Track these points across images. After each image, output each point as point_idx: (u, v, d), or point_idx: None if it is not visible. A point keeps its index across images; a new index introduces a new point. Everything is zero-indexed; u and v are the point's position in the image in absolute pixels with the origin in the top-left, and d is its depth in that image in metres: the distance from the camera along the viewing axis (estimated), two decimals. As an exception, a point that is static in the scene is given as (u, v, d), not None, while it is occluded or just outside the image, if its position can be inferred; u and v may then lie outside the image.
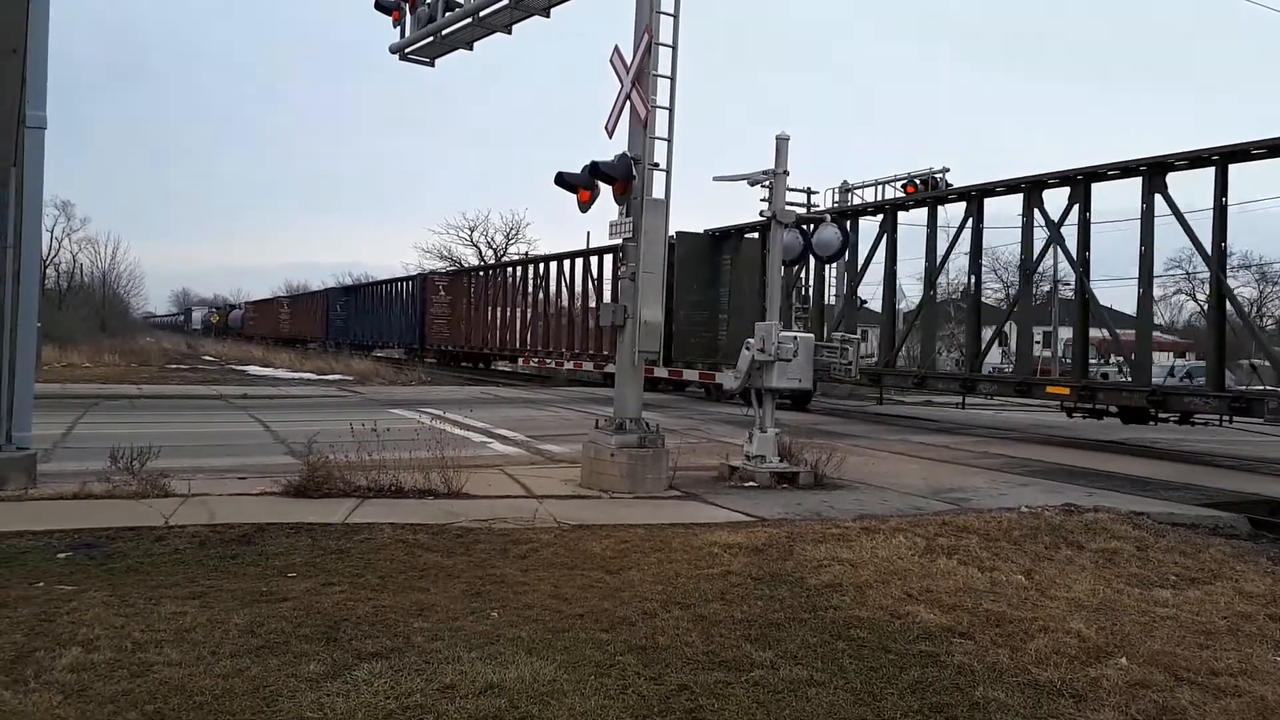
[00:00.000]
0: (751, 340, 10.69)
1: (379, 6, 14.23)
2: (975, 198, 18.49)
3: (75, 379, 24.42)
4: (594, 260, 29.41)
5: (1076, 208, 16.33)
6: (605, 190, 9.95)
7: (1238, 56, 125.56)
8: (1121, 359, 19.14)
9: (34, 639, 4.60)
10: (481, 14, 12.55)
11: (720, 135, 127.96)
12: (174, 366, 34.11)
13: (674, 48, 9.79)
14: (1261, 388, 16.82)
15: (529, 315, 34.17)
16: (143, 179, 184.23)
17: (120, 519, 7.25)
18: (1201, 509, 9.95)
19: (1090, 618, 5.47)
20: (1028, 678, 4.52)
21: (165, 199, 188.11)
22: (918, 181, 27.92)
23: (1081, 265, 16.33)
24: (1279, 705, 4.24)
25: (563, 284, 31.88)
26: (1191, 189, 14.98)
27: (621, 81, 9.82)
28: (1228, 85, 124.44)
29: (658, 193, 9.87)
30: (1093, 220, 16.32)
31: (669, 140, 9.83)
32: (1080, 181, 16.23)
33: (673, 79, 9.80)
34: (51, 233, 64.22)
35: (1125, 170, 15.67)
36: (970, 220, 18.42)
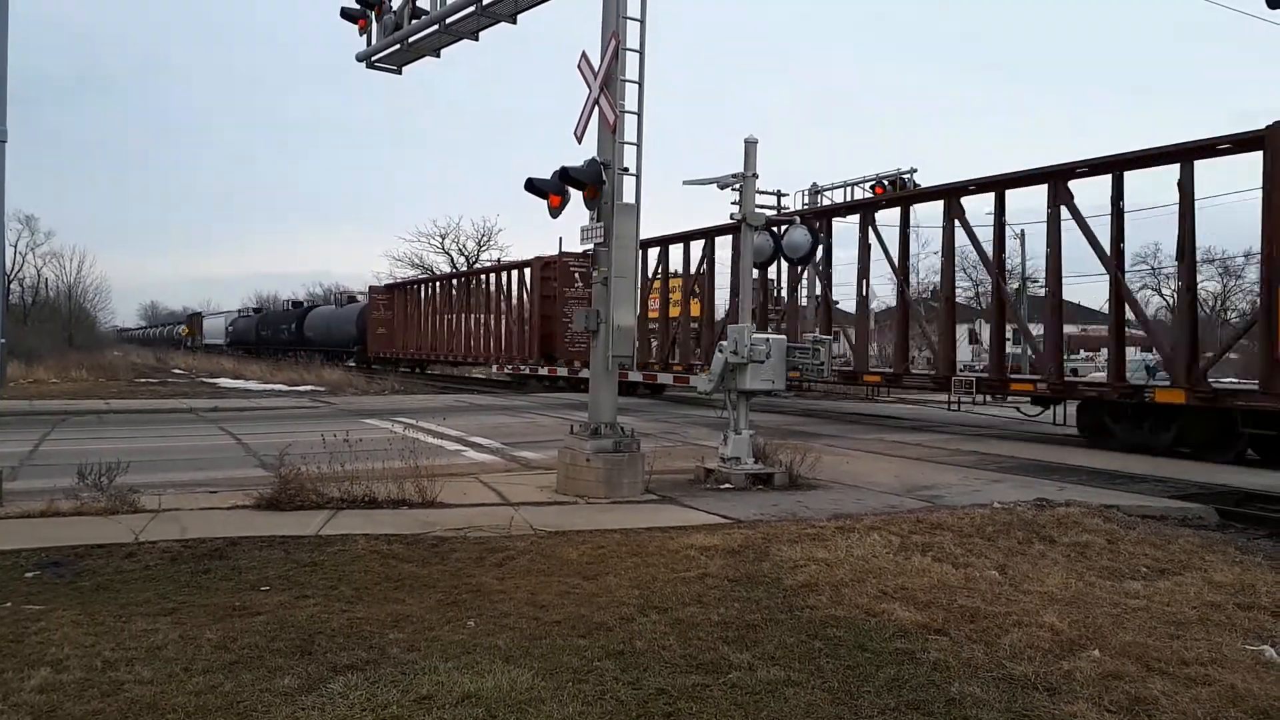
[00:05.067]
0: (724, 343, 10.72)
1: (345, 15, 14.18)
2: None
3: (42, 395, 24.04)
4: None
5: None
6: (576, 195, 9.94)
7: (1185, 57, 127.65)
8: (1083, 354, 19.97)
9: (1, 660, 4.53)
10: (448, 21, 12.53)
11: (691, 141, 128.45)
12: (143, 381, 33.68)
13: (641, 53, 9.81)
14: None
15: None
16: (107, 192, 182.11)
17: (89, 536, 7.15)
18: (1170, 501, 10.08)
19: (1063, 611, 5.53)
20: (1003, 672, 4.56)
21: (130, 212, 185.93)
22: (886, 183, 28.12)
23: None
24: (1248, 693, 4.30)
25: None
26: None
27: (589, 87, 9.82)
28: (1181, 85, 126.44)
29: (628, 197, 9.88)
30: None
31: (638, 145, 9.84)
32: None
33: (640, 84, 9.82)
34: (15, 247, 63.07)
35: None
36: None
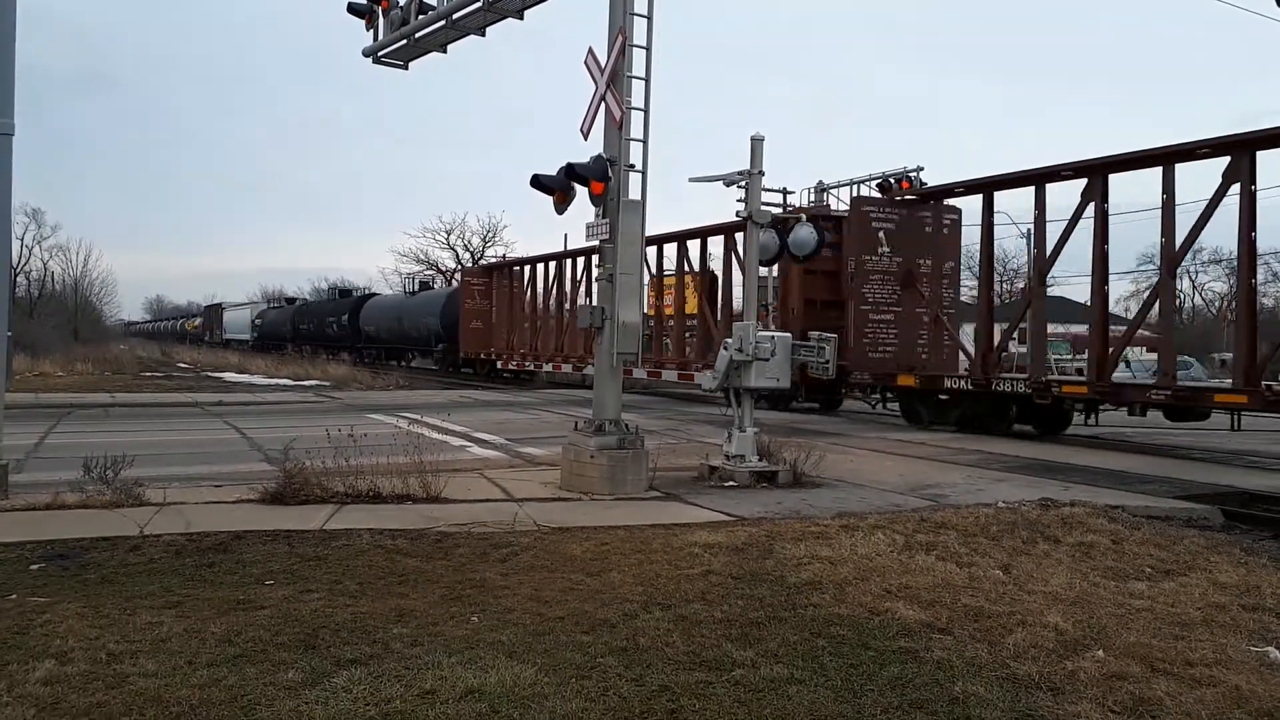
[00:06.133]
0: (729, 340, 10.71)
1: (351, 10, 14.16)
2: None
3: (48, 388, 24.12)
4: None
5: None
6: (581, 192, 9.94)
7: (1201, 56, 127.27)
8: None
9: (6, 652, 4.54)
10: (454, 16, 12.51)
11: (697, 138, 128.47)
12: (149, 374, 33.75)
13: (648, 49, 9.79)
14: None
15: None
16: (114, 187, 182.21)
17: (94, 529, 7.17)
18: (1175, 501, 10.05)
19: (1067, 611, 5.52)
20: (1006, 672, 4.55)
21: (136, 206, 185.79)
22: (891, 180, 27.98)
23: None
24: (1253, 694, 4.29)
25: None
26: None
27: (596, 83, 9.81)
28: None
29: (634, 194, 9.87)
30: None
31: (644, 141, 9.83)
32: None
33: (647, 80, 9.81)
34: (21, 240, 63.00)
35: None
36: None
